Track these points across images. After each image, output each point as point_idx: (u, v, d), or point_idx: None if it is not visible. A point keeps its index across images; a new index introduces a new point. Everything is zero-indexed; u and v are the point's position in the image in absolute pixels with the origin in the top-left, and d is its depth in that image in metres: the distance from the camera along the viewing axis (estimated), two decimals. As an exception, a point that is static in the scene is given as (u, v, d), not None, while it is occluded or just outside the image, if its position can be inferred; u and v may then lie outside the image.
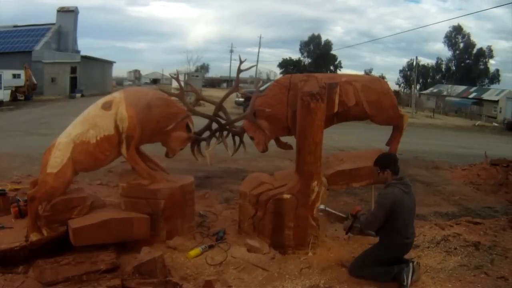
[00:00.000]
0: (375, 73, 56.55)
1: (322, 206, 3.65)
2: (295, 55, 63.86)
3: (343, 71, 64.60)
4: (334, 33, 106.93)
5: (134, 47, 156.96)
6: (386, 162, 3.40)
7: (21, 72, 23.66)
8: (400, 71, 65.20)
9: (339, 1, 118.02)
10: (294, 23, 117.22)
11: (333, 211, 3.61)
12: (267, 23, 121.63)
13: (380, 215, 3.22)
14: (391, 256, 3.35)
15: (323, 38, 62.06)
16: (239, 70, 4.17)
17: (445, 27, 61.39)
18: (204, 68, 70.84)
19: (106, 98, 3.90)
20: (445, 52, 63.99)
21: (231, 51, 59.40)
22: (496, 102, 38.82)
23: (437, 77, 63.07)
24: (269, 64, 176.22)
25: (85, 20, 55.42)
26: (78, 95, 28.78)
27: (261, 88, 5.14)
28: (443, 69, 63.54)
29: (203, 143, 4.21)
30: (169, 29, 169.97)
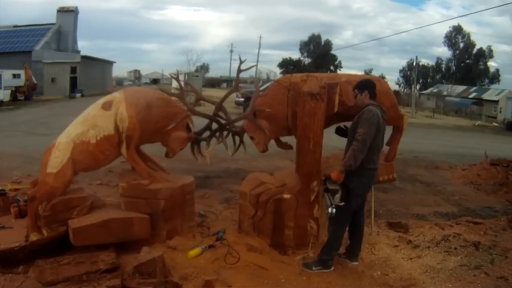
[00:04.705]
0: (376, 73, 56.51)
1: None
2: (297, 55, 63.82)
3: (344, 71, 64.69)
4: (343, 37, 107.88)
5: (145, 48, 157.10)
6: (365, 84, 3.54)
7: (21, 72, 23.65)
8: (400, 71, 65.26)
9: (352, 7, 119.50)
10: (305, 27, 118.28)
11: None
12: (278, 26, 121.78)
13: (372, 132, 3.27)
14: (365, 187, 3.53)
15: (332, 41, 62.19)
16: (239, 70, 4.17)
17: (447, 30, 61.45)
18: (204, 68, 70.86)
19: (106, 98, 3.90)
20: (446, 53, 64.08)
21: (231, 51, 59.51)
22: (496, 102, 38.88)
23: (437, 77, 63.03)
24: (269, 64, 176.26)
25: (100, 22, 55.28)
26: (78, 95, 28.78)
27: (261, 88, 5.14)
28: (443, 69, 63.50)
29: (203, 143, 4.21)
30: (183, 31, 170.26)
